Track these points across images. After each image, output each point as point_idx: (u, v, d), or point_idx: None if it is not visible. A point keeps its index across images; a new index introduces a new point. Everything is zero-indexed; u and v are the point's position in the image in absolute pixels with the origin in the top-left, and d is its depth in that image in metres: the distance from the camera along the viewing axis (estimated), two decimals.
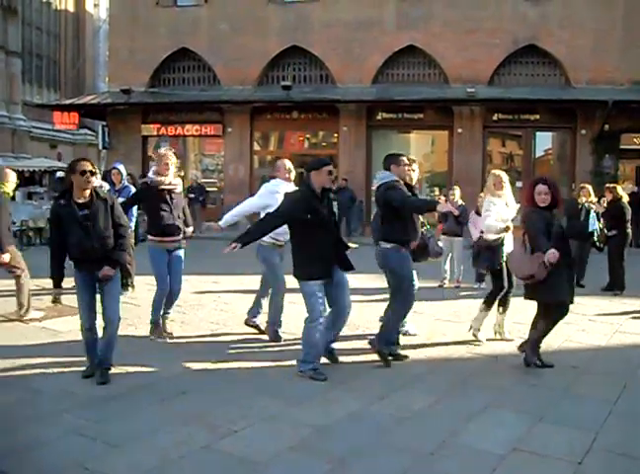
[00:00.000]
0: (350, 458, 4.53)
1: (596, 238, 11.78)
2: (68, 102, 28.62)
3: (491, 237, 7.60)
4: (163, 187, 7.58)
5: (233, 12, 24.45)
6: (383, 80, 24.27)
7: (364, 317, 8.68)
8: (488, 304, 7.82)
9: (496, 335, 7.89)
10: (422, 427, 5.18)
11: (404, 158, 7.08)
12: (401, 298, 6.96)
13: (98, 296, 6.15)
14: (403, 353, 7.12)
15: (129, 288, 10.40)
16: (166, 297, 7.73)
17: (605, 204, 12.20)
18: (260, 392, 5.87)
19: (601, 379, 6.52)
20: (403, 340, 7.58)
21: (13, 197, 11.28)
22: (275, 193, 7.42)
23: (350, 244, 6.86)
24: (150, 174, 7.84)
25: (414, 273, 7.58)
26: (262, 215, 7.19)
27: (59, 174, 25.30)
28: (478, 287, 11.47)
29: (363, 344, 7.31)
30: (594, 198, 12.26)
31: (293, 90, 23.63)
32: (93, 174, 5.91)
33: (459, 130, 23.32)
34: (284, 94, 23.57)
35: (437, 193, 22.74)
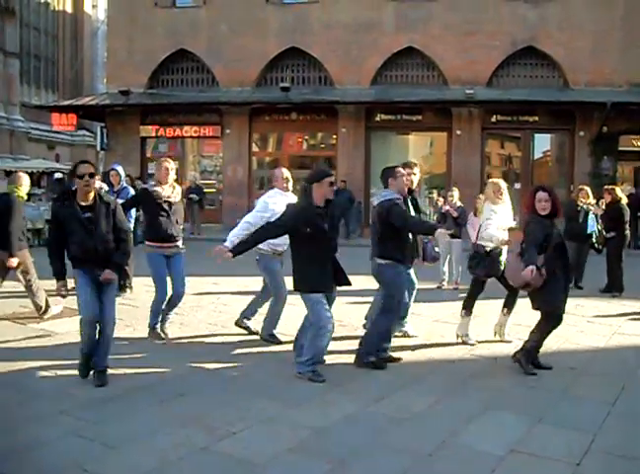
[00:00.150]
0: (349, 459, 4.53)
1: (594, 239, 11.79)
2: (66, 103, 28.64)
3: (490, 245, 7.60)
4: (161, 198, 7.60)
5: (232, 13, 24.45)
6: (382, 82, 24.29)
7: (362, 319, 8.67)
8: (468, 309, 7.83)
9: (495, 335, 7.89)
10: (421, 428, 5.18)
11: (400, 169, 7.02)
12: (388, 314, 6.90)
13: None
14: (397, 355, 7.11)
15: (128, 290, 10.40)
16: (169, 300, 7.72)
17: (604, 206, 12.22)
18: (258, 394, 5.87)
19: (600, 380, 6.53)
20: (402, 341, 7.59)
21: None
22: (272, 204, 7.35)
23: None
24: (151, 182, 7.85)
25: (412, 273, 7.61)
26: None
27: (57, 175, 25.27)
28: None
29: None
30: (592, 200, 12.27)
31: (292, 91, 23.64)
32: (92, 176, 5.91)
33: (458, 132, 23.34)
34: (283, 95, 23.59)
35: (435, 194, 22.73)
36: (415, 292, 7.75)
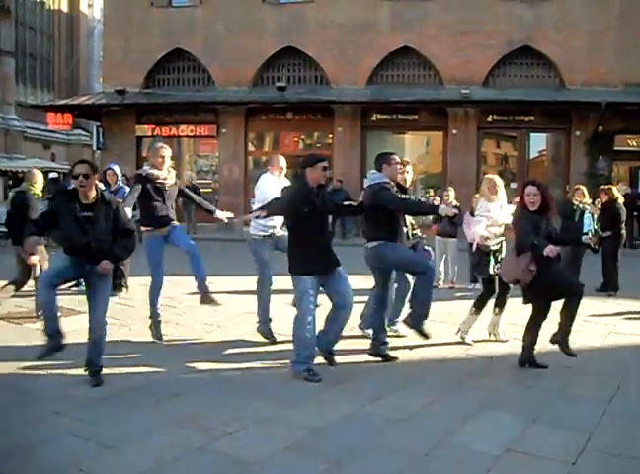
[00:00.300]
0: (345, 459, 4.52)
1: (590, 238, 11.76)
2: (62, 102, 28.59)
3: (492, 242, 7.62)
4: (158, 181, 7.58)
5: (228, 12, 24.44)
6: (378, 81, 24.31)
7: (357, 319, 8.66)
8: (478, 308, 7.83)
9: (490, 335, 7.90)
10: (417, 427, 5.18)
11: (395, 157, 7.04)
12: (425, 278, 6.79)
13: (86, 298, 6.14)
14: (394, 354, 7.11)
15: (123, 289, 10.39)
16: (192, 263, 7.66)
17: (600, 206, 12.22)
18: (254, 394, 5.86)
19: (596, 380, 6.54)
20: (397, 341, 7.59)
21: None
22: (260, 185, 7.69)
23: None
24: (145, 166, 7.84)
25: (407, 275, 7.60)
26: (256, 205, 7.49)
27: (53, 175, 25.23)
28: (473, 288, 11.46)
29: (358, 344, 7.32)
30: (588, 200, 12.27)
31: (288, 91, 23.65)
32: (88, 177, 5.86)
33: (454, 132, 23.38)
34: (279, 95, 23.59)
35: (431, 194, 22.74)
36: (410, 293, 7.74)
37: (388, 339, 7.28)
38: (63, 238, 5.93)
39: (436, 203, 12.78)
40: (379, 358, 6.97)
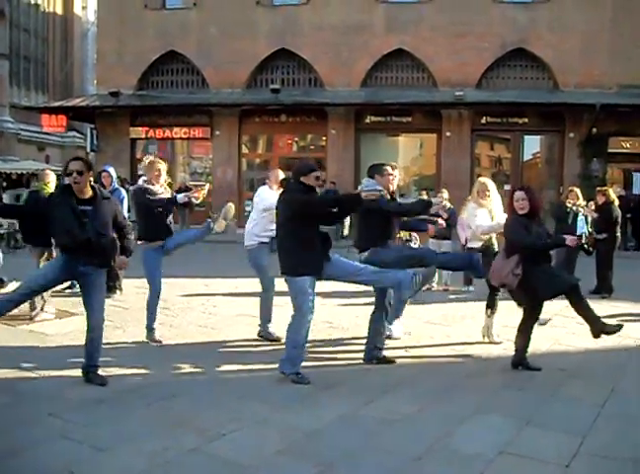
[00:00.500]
0: (338, 462, 4.52)
1: (584, 241, 11.79)
2: (56, 104, 28.58)
3: (486, 238, 7.68)
4: (156, 197, 7.59)
5: (222, 15, 24.43)
6: (372, 83, 24.34)
7: (353, 320, 8.68)
8: (491, 307, 7.88)
9: (484, 338, 7.91)
10: (410, 430, 5.17)
11: (388, 168, 7.10)
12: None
13: (81, 299, 6.13)
14: (390, 356, 7.10)
15: (117, 291, 10.37)
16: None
17: (594, 207, 12.23)
18: (248, 396, 5.85)
19: (590, 382, 6.54)
20: (391, 343, 7.59)
21: None
22: (261, 194, 7.89)
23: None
24: (141, 182, 7.85)
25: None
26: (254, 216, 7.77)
27: None
28: (467, 291, 11.49)
29: (352, 347, 7.32)
30: (582, 202, 12.28)
31: (282, 93, 23.66)
32: (81, 174, 5.84)
33: (448, 134, 23.40)
34: (273, 97, 23.60)
35: (425, 196, 22.71)
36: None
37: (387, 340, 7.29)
38: (62, 233, 5.85)
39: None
40: (374, 362, 6.95)
